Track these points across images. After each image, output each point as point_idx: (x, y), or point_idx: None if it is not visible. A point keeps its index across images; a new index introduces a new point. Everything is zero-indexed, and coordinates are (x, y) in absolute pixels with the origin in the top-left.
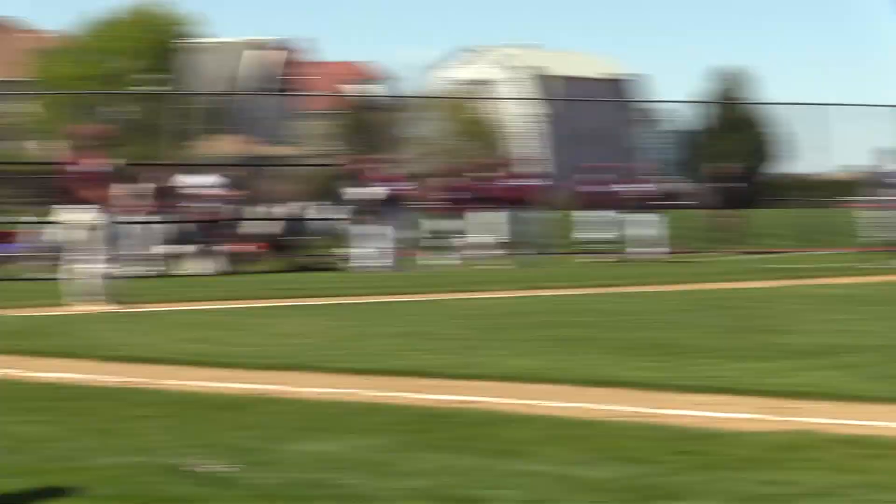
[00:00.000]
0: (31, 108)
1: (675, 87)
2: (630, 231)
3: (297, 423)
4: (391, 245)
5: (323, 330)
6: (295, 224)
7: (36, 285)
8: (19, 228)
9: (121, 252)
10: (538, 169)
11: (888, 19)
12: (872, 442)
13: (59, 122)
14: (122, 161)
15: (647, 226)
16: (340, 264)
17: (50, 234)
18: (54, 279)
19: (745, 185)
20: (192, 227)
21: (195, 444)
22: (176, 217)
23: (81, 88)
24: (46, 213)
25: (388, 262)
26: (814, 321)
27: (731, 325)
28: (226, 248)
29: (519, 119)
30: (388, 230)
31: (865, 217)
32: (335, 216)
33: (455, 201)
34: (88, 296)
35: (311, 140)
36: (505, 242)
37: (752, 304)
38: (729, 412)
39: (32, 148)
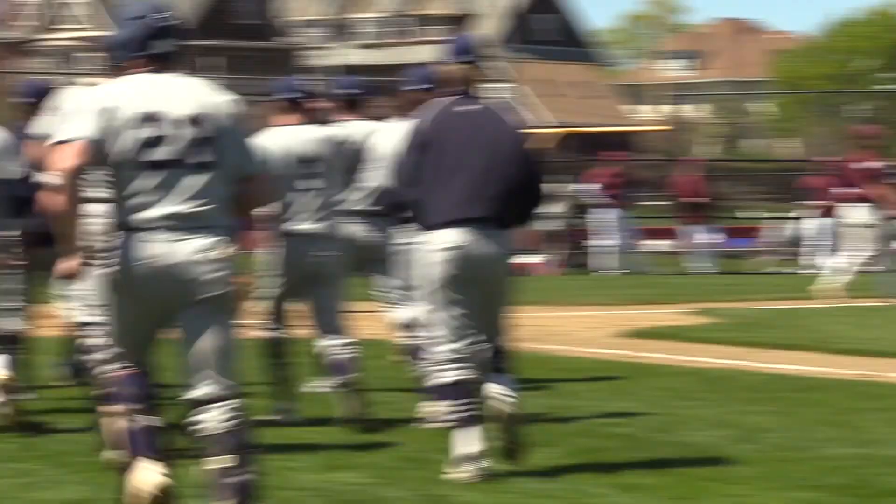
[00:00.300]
0: (769, 107)
1: None
2: None
3: None
4: None
5: None
6: None
7: (775, 279)
8: (760, 224)
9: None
10: None
11: None
12: None
13: (798, 121)
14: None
15: None
16: None
17: (792, 230)
18: (793, 273)
19: None
20: None
21: None
22: None
23: (821, 88)
24: (785, 210)
25: None
26: None
27: None
28: None
29: None
30: None
31: None
32: None
33: None
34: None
35: None
36: None
37: None
38: None
39: (770, 146)
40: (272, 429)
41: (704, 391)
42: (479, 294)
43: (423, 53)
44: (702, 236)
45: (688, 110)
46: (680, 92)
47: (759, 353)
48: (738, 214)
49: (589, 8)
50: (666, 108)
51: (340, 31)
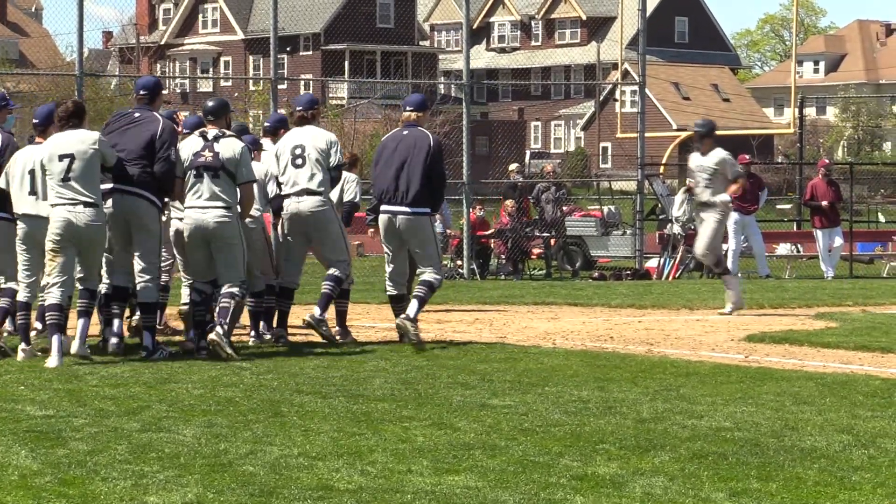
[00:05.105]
0: None
1: None
2: None
3: None
4: None
5: None
6: None
7: None
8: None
9: None
10: None
11: None
12: None
13: None
14: None
15: None
16: None
17: None
18: None
19: None
20: None
21: None
22: None
23: None
24: None
25: None
26: None
27: None
28: None
29: None
30: None
31: None
32: None
33: None
34: None
35: None
36: None
37: None
38: None
39: None
40: (384, 433)
41: (822, 396)
42: None
43: (555, 57)
44: (828, 240)
45: (820, 113)
46: (813, 95)
47: (877, 358)
48: (867, 218)
49: (723, 10)
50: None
51: (476, 34)
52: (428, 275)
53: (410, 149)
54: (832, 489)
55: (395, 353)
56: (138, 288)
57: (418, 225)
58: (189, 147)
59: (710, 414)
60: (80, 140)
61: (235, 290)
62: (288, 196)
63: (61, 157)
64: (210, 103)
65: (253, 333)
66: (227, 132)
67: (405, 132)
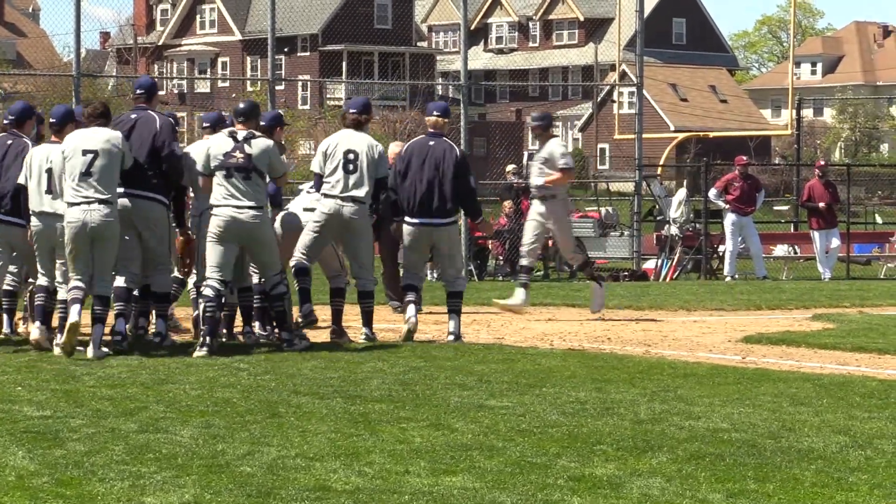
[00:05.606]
0: None
1: None
2: None
3: None
4: None
5: None
6: None
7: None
8: (890, 229)
9: None
10: None
11: None
12: None
13: None
14: None
15: None
16: None
17: None
18: None
19: None
20: None
21: None
22: None
23: None
24: None
25: None
26: None
27: None
28: None
29: None
30: None
31: None
32: None
33: None
34: None
35: None
36: None
37: None
38: None
39: None
40: (382, 434)
41: (819, 397)
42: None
43: (553, 58)
44: (826, 241)
45: (817, 114)
46: (811, 96)
47: (873, 359)
48: (864, 219)
49: (721, 11)
50: (796, 113)
51: (474, 35)
52: (457, 284)
53: (440, 163)
54: (829, 490)
55: (393, 355)
56: (153, 278)
57: (451, 234)
58: (219, 146)
59: (708, 415)
60: (106, 139)
61: (281, 288)
62: (330, 196)
63: (85, 153)
64: (241, 105)
65: (247, 329)
66: (257, 133)
67: (432, 142)
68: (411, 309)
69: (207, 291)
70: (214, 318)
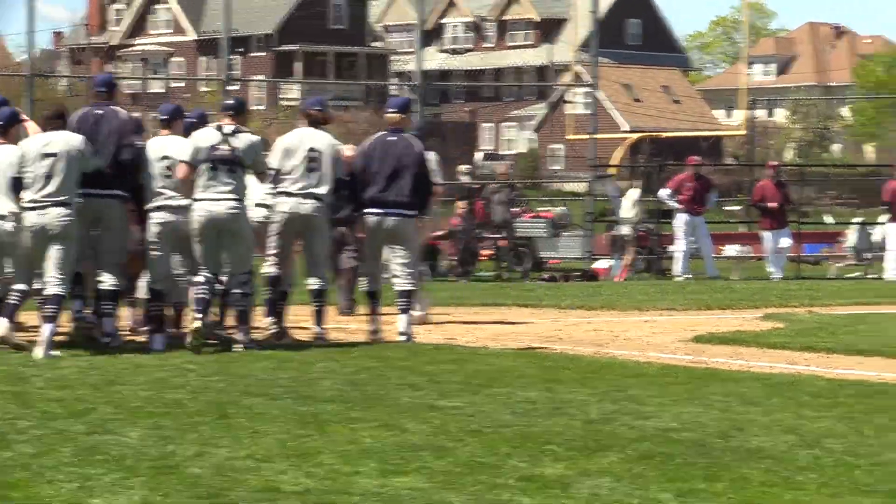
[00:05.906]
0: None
1: None
2: None
3: None
4: None
5: None
6: None
7: (849, 284)
8: (839, 229)
9: None
10: None
11: None
12: None
13: (882, 127)
14: None
15: None
16: None
17: (879, 235)
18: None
19: None
20: None
21: None
22: None
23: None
24: (874, 215)
25: None
26: None
27: None
28: None
29: None
30: None
31: None
32: None
33: None
34: None
35: None
36: None
37: None
38: None
39: (856, 151)
40: (332, 434)
41: (768, 396)
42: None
43: (508, 58)
44: (776, 241)
45: (770, 115)
46: (764, 97)
47: (822, 359)
48: (815, 219)
49: (675, 12)
50: (749, 113)
51: (429, 36)
52: (407, 284)
53: (401, 157)
54: (778, 489)
55: (345, 355)
56: (102, 275)
57: (407, 226)
58: (205, 139)
59: (658, 415)
60: (66, 141)
61: (247, 289)
62: (289, 194)
63: (44, 156)
64: (230, 101)
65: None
66: (243, 128)
67: (393, 138)
68: (404, 319)
69: (199, 278)
70: (205, 299)
